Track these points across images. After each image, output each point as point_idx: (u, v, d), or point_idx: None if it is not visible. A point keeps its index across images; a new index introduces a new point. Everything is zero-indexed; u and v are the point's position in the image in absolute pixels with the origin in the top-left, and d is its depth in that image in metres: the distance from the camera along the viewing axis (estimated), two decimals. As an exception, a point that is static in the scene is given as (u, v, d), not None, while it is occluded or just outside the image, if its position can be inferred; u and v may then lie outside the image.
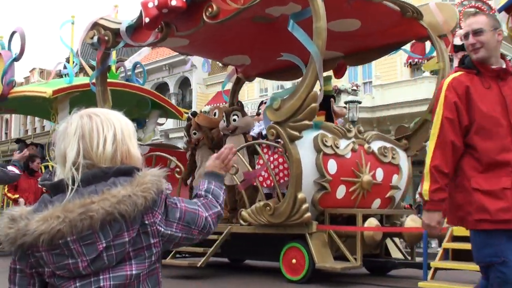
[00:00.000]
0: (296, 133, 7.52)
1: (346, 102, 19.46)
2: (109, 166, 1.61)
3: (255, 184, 8.33)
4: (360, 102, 20.22)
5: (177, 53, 24.54)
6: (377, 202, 8.81)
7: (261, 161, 8.35)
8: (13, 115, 43.86)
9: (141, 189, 1.55)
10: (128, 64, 12.90)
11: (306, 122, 7.46)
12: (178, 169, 9.15)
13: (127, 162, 1.64)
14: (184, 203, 1.71)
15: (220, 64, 31.91)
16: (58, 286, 1.57)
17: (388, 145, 9.03)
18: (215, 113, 9.38)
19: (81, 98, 11.72)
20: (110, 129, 1.64)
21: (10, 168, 5.65)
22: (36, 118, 41.55)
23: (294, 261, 7.83)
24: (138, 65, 13.89)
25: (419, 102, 19.55)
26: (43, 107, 12.37)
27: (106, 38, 9.49)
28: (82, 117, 1.66)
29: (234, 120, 9.13)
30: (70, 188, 1.56)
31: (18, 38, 11.70)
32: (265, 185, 8.37)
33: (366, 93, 23.31)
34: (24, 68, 73.04)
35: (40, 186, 9.45)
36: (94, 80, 10.09)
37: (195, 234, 1.72)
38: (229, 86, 12.27)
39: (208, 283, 8.03)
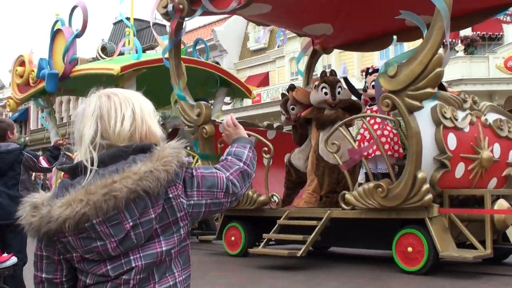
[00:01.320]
0: (416, 103, 6.56)
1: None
2: (128, 145, 1.56)
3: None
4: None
5: (207, 38, 24.26)
6: (493, 182, 7.81)
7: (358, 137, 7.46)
8: None
9: (162, 163, 1.51)
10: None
11: (429, 90, 6.50)
12: (266, 148, 8.26)
13: (147, 140, 1.59)
14: (199, 170, 1.65)
15: (261, 45, 31.41)
16: (88, 271, 1.52)
17: (503, 117, 8.01)
18: (315, 85, 8.44)
19: (148, 75, 10.94)
20: (128, 107, 1.59)
21: (40, 160, 5.55)
22: (71, 106, 41.74)
23: (410, 249, 6.88)
24: (200, 41, 13.01)
25: (453, 82, 18.66)
26: (108, 87, 11.60)
27: (181, 6, 8.64)
28: (101, 97, 1.63)
29: (339, 92, 8.24)
30: (89, 169, 1.52)
31: (79, 13, 10.92)
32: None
33: None
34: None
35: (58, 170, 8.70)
36: (167, 55, 9.23)
37: (220, 197, 1.64)
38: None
39: (310, 274, 7.15)
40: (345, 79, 8.50)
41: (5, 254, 4.82)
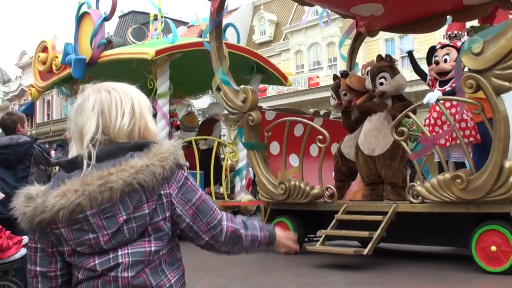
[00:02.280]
0: (505, 84, 5.86)
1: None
2: (127, 141, 1.56)
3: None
4: None
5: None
6: None
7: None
8: (54, 96, 43.62)
9: (159, 159, 1.51)
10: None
11: (521, 69, 5.78)
12: (320, 137, 7.58)
13: (145, 136, 1.59)
14: (206, 195, 1.61)
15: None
16: (78, 265, 1.51)
17: None
18: (367, 72, 7.76)
19: (182, 60, 10.25)
20: (128, 102, 1.58)
21: (51, 153, 5.53)
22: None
23: (493, 248, 6.20)
24: (229, 26, 12.29)
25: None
26: (137, 73, 10.89)
27: (224, -17, 7.98)
28: (100, 92, 1.60)
29: (381, 83, 7.61)
30: (85, 163, 1.52)
31: (107, -5, 10.24)
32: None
33: (404, 67, 21.94)
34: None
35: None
36: (207, 38, 8.56)
37: (202, 229, 1.62)
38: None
39: (369, 273, 6.47)
40: (410, 54, 7.79)
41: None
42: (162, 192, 1.54)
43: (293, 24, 27.46)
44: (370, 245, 6.65)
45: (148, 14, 34.26)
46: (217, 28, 8.65)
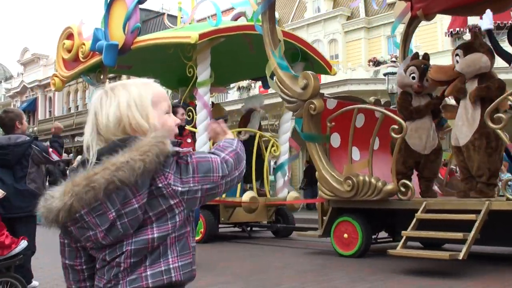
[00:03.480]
0: None
1: (385, 74, 17.53)
2: (120, 138, 1.59)
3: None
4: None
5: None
6: None
7: None
8: (56, 93, 42.94)
9: (139, 153, 1.51)
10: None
11: None
12: (396, 126, 6.78)
13: (138, 133, 1.59)
14: (195, 155, 1.62)
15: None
16: (97, 256, 1.61)
17: None
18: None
19: (224, 46, 9.43)
20: (114, 102, 1.61)
21: (50, 153, 5.39)
22: (79, 96, 40.62)
23: None
24: (241, 16, 11.44)
25: (461, 72, 17.20)
26: (173, 60, 10.10)
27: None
28: (96, 95, 1.67)
29: (427, 80, 7.00)
30: (83, 162, 1.59)
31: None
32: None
33: None
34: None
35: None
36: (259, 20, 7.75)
37: (217, 180, 1.61)
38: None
39: (380, 270, 5.68)
40: (489, 32, 6.98)
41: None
42: (160, 185, 1.54)
43: (295, 21, 26.70)
44: (465, 248, 5.84)
45: (150, 11, 33.40)
46: (270, 9, 7.85)
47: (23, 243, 4.63)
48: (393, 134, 6.84)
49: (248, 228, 10.44)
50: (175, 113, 6.62)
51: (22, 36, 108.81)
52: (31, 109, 45.89)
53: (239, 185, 9.53)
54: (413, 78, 7.43)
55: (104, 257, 1.57)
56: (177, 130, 1.71)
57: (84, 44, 10.45)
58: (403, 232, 6.47)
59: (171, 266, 1.57)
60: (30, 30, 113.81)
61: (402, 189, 6.95)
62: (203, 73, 9.31)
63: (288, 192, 10.32)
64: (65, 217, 1.52)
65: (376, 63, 21.51)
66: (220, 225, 9.80)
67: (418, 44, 21.22)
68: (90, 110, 1.65)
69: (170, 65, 10.86)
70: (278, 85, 7.75)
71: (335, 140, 7.84)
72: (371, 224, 7.50)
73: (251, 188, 10.04)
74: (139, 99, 1.62)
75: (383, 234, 8.38)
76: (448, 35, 20.63)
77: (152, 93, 1.66)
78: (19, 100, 47.39)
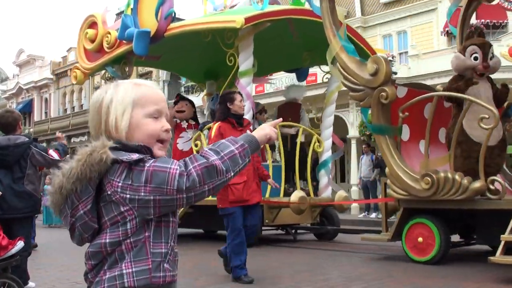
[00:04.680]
0: None
1: None
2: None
3: None
4: (395, 73, 17.62)
5: None
6: None
7: None
8: (51, 93, 42.29)
9: (75, 161, 1.54)
10: None
11: None
12: (486, 116, 5.99)
13: (114, 134, 1.60)
14: (155, 163, 1.54)
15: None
16: None
17: None
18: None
19: (268, 33, 8.61)
20: (98, 101, 1.62)
21: (50, 152, 5.44)
22: (75, 97, 40.08)
23: None
24: None
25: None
26: (210, 49, 9.26)
27: None
28: (98, 91, 1.69)
29: (491, 58, 6.27)
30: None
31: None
32: None
33: (402, 63, 21.26)
34: (62, 47, 70.80)
35: None
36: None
37: (171, 193, 1.52)
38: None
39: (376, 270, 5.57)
40: None
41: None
42: (109, 192, 1.54)
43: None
44: None
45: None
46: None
47: (20, 244, 4.60)
48: (482, 125, 6.04)
49: (293, 231, 9.59)
50: (232, 100, 5.78)
51: (18, 37, 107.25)
52: (27, 110, 45.35)
53: (282, 185, 8.71)
54: (475, 58, 6.73)
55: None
56: (164, 136, 1.62)
57: (109, 33, 9.59)
58: (502, 236, 5.66)
59: (124, 271, 1.56)
60: (25, 31, 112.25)
61: (491, 187, 6.15)
62: (246, 62, 8.49)
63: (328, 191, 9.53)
64: (57, 214, 1.61)
65: None
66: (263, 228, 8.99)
67: (414, 44, 21.12)
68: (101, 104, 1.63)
69: (206, 54, 10.04)
70: (341, 71, 6.93)
71: (404, 132, 7.03)
72: (451, 226, 6.71)
73: (289, 189, 9.23)
74: (122, 97, 1.61)
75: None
76: (444, 34, 20.38)
77: (139, 93, 1.62)
78: (15, 101, 46.73)
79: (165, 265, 1.60)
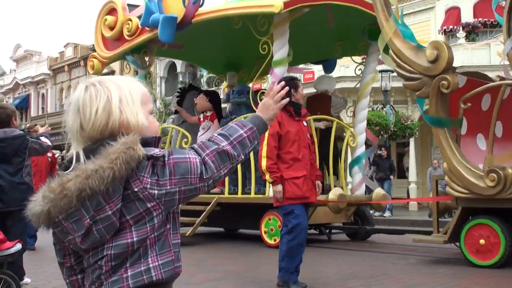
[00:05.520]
0: None
1: (378, 72, 16.16)
2: (98, 139, 1.57)
3: None
4: (392, 71, 17.04)
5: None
6: None
7: None
8: (48, 89, 41.93)
9: (108, 161, 1.49)
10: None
11: None
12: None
13: (127, 133, 1.56)
14: (173, 155, 1.56)
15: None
16: (83, 256, 1.62)
17: None
18: None
19: (302, 20, 8.02)
20: (103, 98, 1.56)
21: (42, 139, 5.46)
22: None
23: None
24: None
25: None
26: (241, 37, 8.68)
27: None
28: (81, 88, 1.61)
29: None
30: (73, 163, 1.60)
31: None
32: None
33: None
34: (59, 43, 70.11)
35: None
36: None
37: (195, 182, 1.56)
38: None
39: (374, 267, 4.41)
40: None
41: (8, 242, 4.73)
42: (136, 189, 1.51)
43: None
44: None
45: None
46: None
47: (18, 246, 4.60)
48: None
49: (327, 230, 9.01)
50: (297, 87, 5.19)
51: (15, 32, 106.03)
52: (23, 105, 45.09)
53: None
54: None
55: (88, 259, 1.58)
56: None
57: (130, 20, 8.98)
58: None
59: (151, 265, 1.55)
60: (23, 26, 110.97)
61: None
62: (280, 50, 7.90)
63: (362, 189, 9.00)
64: (45, 222, 1.52)
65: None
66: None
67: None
68: (72, 103, 1.58)
69: (224, 45, 9.49)
70: (394, 58, 6.36)
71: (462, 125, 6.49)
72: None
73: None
74: (130, 95, 1.58)
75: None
76: (442, 32, 19.97)
77: (141, 91, 1.62)
78: (12, 96, 46.42)
79: (180, 255, 1.63)
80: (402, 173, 19.75)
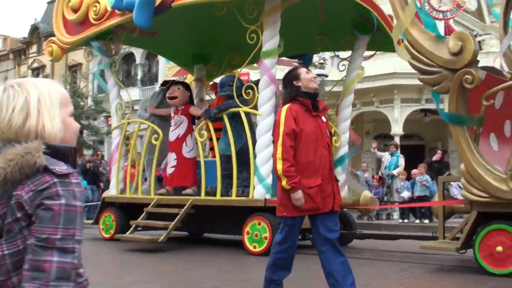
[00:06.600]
0: None
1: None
2: (14, 141, 1.50)
3: None
4: (327, 76, 17.46)
5: None
6: None
7: None
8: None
9: (4, 161, 1.43)
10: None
11: None
12: None
13: (42, 135, 1.49)
14: (67, 208, 1.42)
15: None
16: None
17: None
18: None
19: (295, 9, 7.43)
20: (21, 99, 1.50)
21: None
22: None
23: None
24: None
25: (385, 76, 17.64)
26: (227, 25, 7.99)
27: None
28: (4, 86, 1.55)
29: None
30: None
31: None
32: None
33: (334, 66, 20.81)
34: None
35: None
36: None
37: (33, 231, 1.42)
38: None
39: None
40: None
41: None
42: (14, 193, 1.43)
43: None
44: None
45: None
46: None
47: None
48: None
49: (311, 235, 8.42)
50: (297, 75, 4.36)
51: None
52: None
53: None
54: None
55: None
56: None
57: (98, 2, 8.07)
58: None
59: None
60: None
61: None
62: (271, 40, 7.27)
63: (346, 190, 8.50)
64: None
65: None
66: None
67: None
68: None
69: (220, 30, 8.75)
70: (410, 49, 5.86)
71: (475, 124, 6.08)
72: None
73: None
74: (49, 96, 1.53)
75: None
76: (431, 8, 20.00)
77: (61, 93, 1.57)
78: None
79: None
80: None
